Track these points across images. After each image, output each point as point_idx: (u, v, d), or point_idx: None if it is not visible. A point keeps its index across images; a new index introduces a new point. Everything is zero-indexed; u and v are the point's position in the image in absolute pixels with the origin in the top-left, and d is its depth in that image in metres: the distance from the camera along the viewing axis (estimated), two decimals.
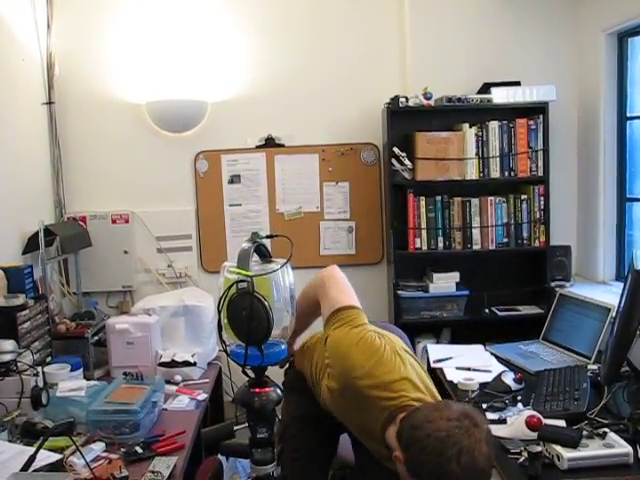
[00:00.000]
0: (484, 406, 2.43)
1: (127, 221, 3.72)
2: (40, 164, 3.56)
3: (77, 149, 3.72)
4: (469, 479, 1.38)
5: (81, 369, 2.74)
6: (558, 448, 1.96)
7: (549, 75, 3.64)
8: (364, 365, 1.49)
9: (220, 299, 1.31)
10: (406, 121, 3.55)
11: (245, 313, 1.28)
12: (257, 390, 1.35)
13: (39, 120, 3.56)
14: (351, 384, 1.47)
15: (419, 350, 3.40)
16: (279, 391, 1.37)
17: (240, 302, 1.28)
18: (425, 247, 3.58)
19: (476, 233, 3.61)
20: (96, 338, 3.08)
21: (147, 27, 3.67)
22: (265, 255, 1.51)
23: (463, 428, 1.40)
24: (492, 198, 3.62)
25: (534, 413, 2.18)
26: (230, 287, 1.30)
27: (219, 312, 1.33)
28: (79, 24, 3.66)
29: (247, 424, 1.38)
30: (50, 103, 3.60)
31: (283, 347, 1.37)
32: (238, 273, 1.32)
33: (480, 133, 3.54)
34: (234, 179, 3.73)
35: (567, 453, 1.93)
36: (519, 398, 2.48)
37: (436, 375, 2.97)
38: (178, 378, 2.89)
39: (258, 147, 3.65)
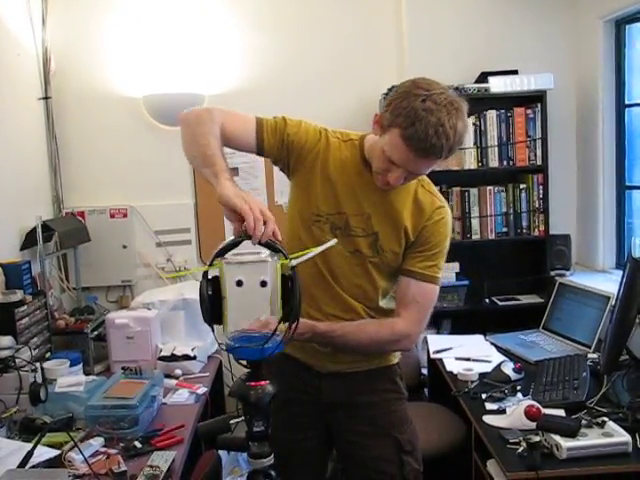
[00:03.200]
0: (483, 396, 2.44)
1: (125, 215, 3.71)
2: (37, 159, 3.55)
3: (74, 144, 3.71)
4: (433, 125, 1.57)
5: (81, 364, 2.74)
6: (557, 438, 1.96)
7: (547, 63, 3.62)
8: None
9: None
10: None
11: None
12: (253, 383, 1.34)
13: (36, 115, 3.54)
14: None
15: (420, 339, 3.40)
16: (275, 385, 1.36)
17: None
18: None
19: (475, 223, 3.61)
20: (96, 333, 3.08)
21: (143, 20, 3.65)
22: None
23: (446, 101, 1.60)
24: (491, 188, 3.60)
25: (533, 403, 2.18)
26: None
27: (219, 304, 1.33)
28: (74, 18, 3.64)
29: (243, 418, 1.37)
30: (46, 98, 3.59)
31: (278, 340, 1.35)
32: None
33: (478, 122, 3.53)
34: (232, 172, 3.72)
35: (566, 443, 1.93)
36: (518, 388, 2.48)
37: (436, 366, 2.99)
38: (178, 372, 2.89)
39: None
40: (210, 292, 1.34)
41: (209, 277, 1.35)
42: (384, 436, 1.95)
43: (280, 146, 1.79)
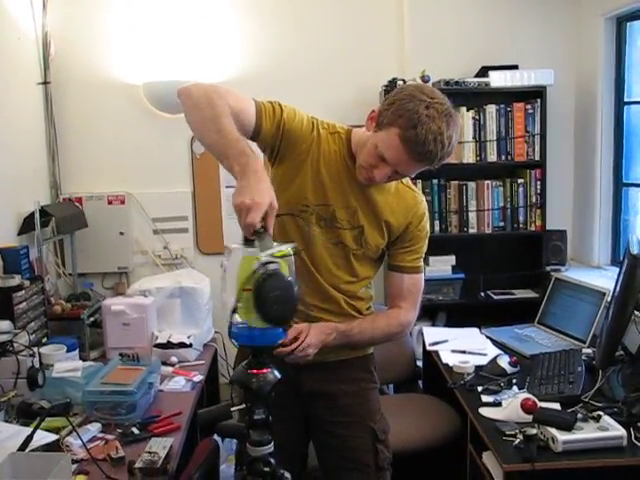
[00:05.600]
0: (479, 389, 2.45)
1: (123, 202, 3.70)
2: (36, 144, 3.53)
3: (73, 129, 3.69)
4: (433, 132, 1.61)
5: (77, 350, 2.74)
6: (553, 431, 1.97)
7: (547, 59, 3.62)
8: None
9: (244, 281, 1.29)
10: None
11: (275, 295, 1.27)
12: (255, 371, 1.33)
13: (35, 100, 3.52)
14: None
15: (415, 333, 3.41)
16: (277, 372, 1.36)
17: (271, 283, 1.27)
18: None
19: (472, 217, 3.61)
20: (92, 319, 3.08)
21: (144, 7, 3.63)
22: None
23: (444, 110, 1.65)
24: (489, 182, 3.61)
25: (529, 396, 2.19)
26: (255, 270, 1.28)
27: (241, 294, 1.30)
28: (75, 3, 3.61)
29: (244, 405, 1.37)
30: (46, 83, 3.56)
31: (280, 330, 1.35)
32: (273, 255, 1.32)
33: (477, 117, 3.53)
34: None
35: (562, 436, 1.94)
36: (514, 381, 2.49)
37: (432, 357, 3.00)
38: (174, 359, 2.89)
39: None
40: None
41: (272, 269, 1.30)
42: (361, 425, 1.98)
43: (275, 133, 1.76)
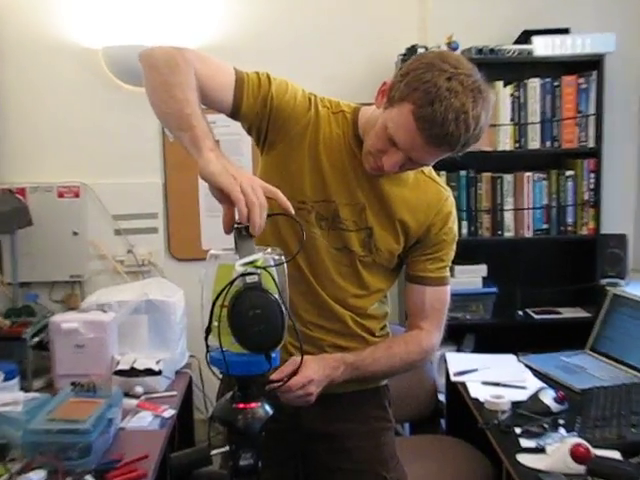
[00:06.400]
0: (518, 431, 2.44)
1: (77, 195, 3.69)
2: None
3: (14, 103, 3.68)
4: (455, 110, 1.57)
5: (17, 378, 2.73)
6: None
7: (607, 21, 3.60)
8: None
9: (218, 295, 1.28)
10: None
11: (255, 313, 1.26)
12: (241, 405, 1.32)
13: None
14: None
15: (436, 360, 3.40)
16: (268, 407, 1.35)
17: (248, 299, 1.26)
18: None
19: (509, 217, 3.61)
20: (36, 340, 3.06)
21: None
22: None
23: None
24: (529, 174, 3.61)
25: (581, 441, 2.17)
26: (232, 281, 1.27)
27: (211, 312, 1.29)
28: None
29: (227, 448, 1.35)
30: None
31: (273, 355, 1.33)
32: (247, 264, 1.30)
33: (517, 93, 3.52)
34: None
35: None
36: (561, 422, 2.47)
37: (457, 391, 2.98)
38: (139, 390, 2.88)
39: None
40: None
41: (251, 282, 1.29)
42: (372, 475, 1.97)
43: (261, 110, 1.75)
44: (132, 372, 2.92)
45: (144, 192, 3.77)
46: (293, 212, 1.45)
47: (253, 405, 1.33)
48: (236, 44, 3.65)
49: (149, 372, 2.93)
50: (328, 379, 1.79)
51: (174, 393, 2.96)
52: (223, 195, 1.39)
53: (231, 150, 3.70)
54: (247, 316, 1.25)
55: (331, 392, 1.87)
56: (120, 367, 2.93)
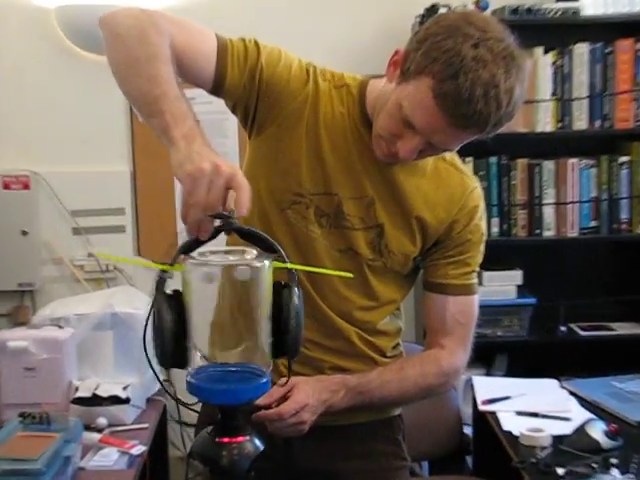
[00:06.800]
0: (560, 471, 2.44)
1: (27, 187, 3.71)
2: None
3: None
4: (483, 84, 1.55)
5: None
6: None
7: None
8: None
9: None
10: None
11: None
12: (225, 439, 1.33)
13: None
14: None
15: (462, 385, 3.41)
16: (258, 442, 1.35)
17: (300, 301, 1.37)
18: None
19: (549, 213, 3.63)
20: None
21: None
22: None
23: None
24: (575, 161, 3.62)
25: None
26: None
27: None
28: None
29: None
30: None
31: (264, 380, 1.35)
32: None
33: (560, 62, 3.53)
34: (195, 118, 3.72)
35: None
36: (614, 461, 2.47)
37: (486, 422, 2.99)
38: (102, 422, 2.87)
39: None
40: (170, 315, 1.32)
41: (167, 291, 1.33)
42: None
43: (248, 84, 1.75)
44: (94, 400, 2.90)
45: (108, 183, 3.80)
46: (245, 214, 1.35)
47: (240, 439, 1.34)
48: (217, 4, 3.67)
49: (115, 400, 2.92)
50: (325, 405, 1.80)
51: (145, 425, 2.95)
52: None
53: (214, 132, 3.71)
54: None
55: (332, 423, 1.89)
56: (79, 394, 2.91)
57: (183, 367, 1.34)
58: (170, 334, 1.30)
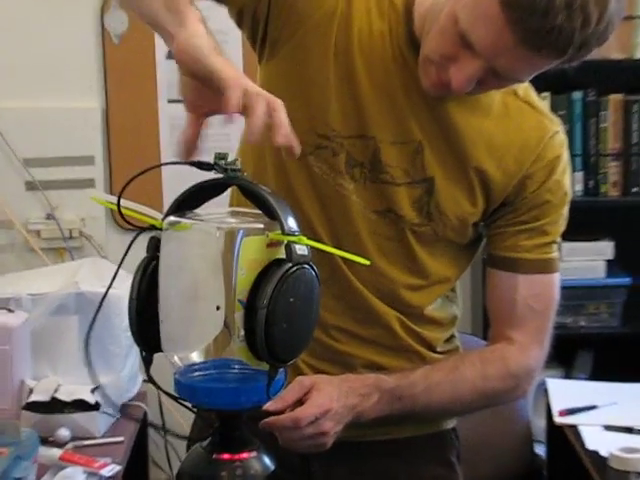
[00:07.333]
0: None
1: None
2: None
3: None
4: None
5: None
6: None
7: None
8: None
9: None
10: None
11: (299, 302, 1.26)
12: (225, 456, 1.32)
13: None
14: None
15: (532, 390, 3.40)
16: (266, 459, 1.35)
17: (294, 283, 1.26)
18: None
19: None
20: None
21: None
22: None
23: None
24: None
25: None
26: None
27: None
28: None
29: None
30: None
31: (278, 375, 1.34)
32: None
33: None
34: None
35: None
36: None
37: (564, 439, 2.99)
38: (64, 434, 2.87)
39: None
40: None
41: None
42: None
43: None
44: (53, 405, 2.91)
45: (73, 123, 3.81)
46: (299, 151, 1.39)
47: (244, 455, 1.33)
48: None
49: (80, 405, 2.92)
50: (354, 412, 1.77)
51: (119, 439, 2.95)
52: (202, 90, 1.38)
53: None
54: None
55: (363, 439, 1.90)
56: (35, 398, 2.92)
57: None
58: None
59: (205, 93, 1.36)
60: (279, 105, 1.32)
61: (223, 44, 3.60)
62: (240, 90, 1.31)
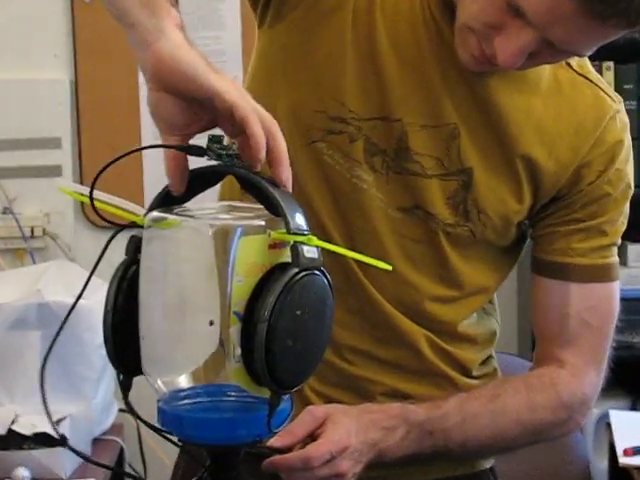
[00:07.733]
0: None
1: None
2: None
3: None
4: None
5: None
6: None
7: None
8: None
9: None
10: None
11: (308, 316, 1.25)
12: None
13: None
14: None
15: (590, 423, 3.41)
16: None
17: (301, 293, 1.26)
18: None
19: None
20: None
21: None
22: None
23: None
24: None
25: None
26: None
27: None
28: None
29: None
30: None
31: (280, 407, 1.34)
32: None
33: None
34: None
35: None
36: None
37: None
38: (23, 474, 2.89)
39: None
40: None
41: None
42: None
43: None
44: (10, 440, 2.94)
45: (35, 99, 3.83)
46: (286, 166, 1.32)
47: None
48: None
49: (43, 440, 2.96)
50: (375, 450, 1.77)
51: None
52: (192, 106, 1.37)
53: (203, 23, 3.72)
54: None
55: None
56: None
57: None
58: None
59: (195, 112, 1.33)
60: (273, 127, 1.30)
61: (217, 7, 3.66)
62: (256, 116, 1.28)
